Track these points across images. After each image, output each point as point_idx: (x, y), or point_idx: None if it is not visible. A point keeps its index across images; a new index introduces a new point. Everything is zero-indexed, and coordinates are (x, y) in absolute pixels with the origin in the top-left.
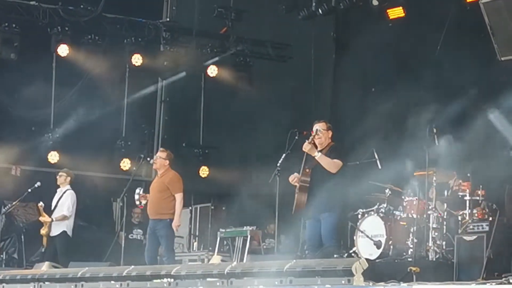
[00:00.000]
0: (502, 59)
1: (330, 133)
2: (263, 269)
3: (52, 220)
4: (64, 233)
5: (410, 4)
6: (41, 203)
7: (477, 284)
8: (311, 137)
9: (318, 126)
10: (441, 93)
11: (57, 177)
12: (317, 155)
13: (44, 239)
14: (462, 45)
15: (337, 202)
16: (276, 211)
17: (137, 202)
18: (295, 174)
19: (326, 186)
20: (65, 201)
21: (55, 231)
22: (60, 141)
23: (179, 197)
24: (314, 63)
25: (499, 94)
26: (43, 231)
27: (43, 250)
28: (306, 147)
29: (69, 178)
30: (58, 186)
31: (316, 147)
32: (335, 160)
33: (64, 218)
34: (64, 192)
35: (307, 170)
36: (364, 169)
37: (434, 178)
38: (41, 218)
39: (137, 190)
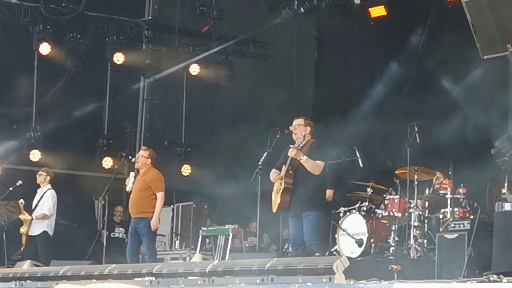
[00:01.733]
0: (485, 57)
1: (308, 128)
2: (244, 267)
3: (32, 219)
4: (45, 233)
5: (391, 3)
6: (21, 200)
7: (458, 282)
8: (297, 143)
9: (296, 122)
10: (423, 91)
11: (37, 176)
12: (303, 159)
13: (23, 238)
14: (444, 44)
15: (318, 200)
16: (257, 210)
17: (128, 188)
18: (275, 171)
19: (309, 186)
20: (46, 201)
21: (35, 231)
22: (42, 140)
23: (160, 195)
24: (296, 61)
25: (480, 92)
26: (22, 229)
27: (22, 249)
28: (292, 152)
29: (48, 177)
30: (39, 185)
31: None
32: (317, 161)
33: (45, 217)
34: (45, 192)
35: (291, 172)
36: (346, 167)
37: (416, 177)
38: (21, 216)
39: (131, 176)
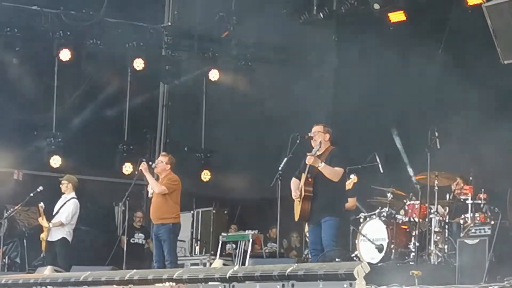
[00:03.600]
0: (505, 62)
1: (327, 136)
2: (265, 272)
3: (50, 227)
4: (63, 239)
5: (411, 8)
6: (41, 204)
7: (479, 287)
8: (314, 150)
9: (316, 129)
10: (442, 96)
11: (60, 185)
12: (321, 166)
13: (43, 244)
14: (464, 49)
15: (337, 206)
16: (278, 215)
17: (150, 193)
18: (293, 186)
19: (329, 193)
20: (66, 209)
21: (54, 236)
22: (62, 145)
23: (163, 189)
24: (315, 67)
25: (501, 97)
26: (42, 235)
27: (42, 255)
28: (310, 159)
29: (70, 185)
30: (63, 192)
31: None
32: (336, 168)
33: (61, 225)
34: (68, 200)
35: (310, 180)
36: (366, 173)
37: (436, 182)
38: (39, 220)
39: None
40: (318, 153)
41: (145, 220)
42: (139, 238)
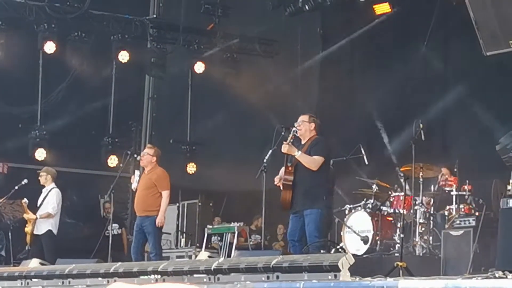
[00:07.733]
0: (487, 54)
1: (312, 125)
2: (250, 264)
3: (37, 218)
4: (49, 231)
5: (396, 0)
6: (25, 200)
7: (463, 278)
8: (288, 138)
9: (301, 119)
10: (427, 88)
11: (39, 178)
12: (297, 154)
13: (28, 237)
14: (448, 41)
15: (319, 197)
16: (263, 207)
17: (133, 186)
18: (280, 173)
19: (309, 182)
20: (50, 200)
21: (40, 230)
22: (47, 138)
23: (165, 194)
24: (300, 59)
25: (484, 89)
26: (27, 228)
27: (27, 248)
28: (284, 148)
29: (49, 176)
30: (42, 185)
31: (300, 141)
32: (315, 157)
33: (49, 216)
34: (50, 191)
35: (290, 168)
36: (351, 164)
37: (421, 174)
38: (25, 215)
39: (135, 175)
40: (302, 141)
41: (116, 211)
42: (113, 228)
